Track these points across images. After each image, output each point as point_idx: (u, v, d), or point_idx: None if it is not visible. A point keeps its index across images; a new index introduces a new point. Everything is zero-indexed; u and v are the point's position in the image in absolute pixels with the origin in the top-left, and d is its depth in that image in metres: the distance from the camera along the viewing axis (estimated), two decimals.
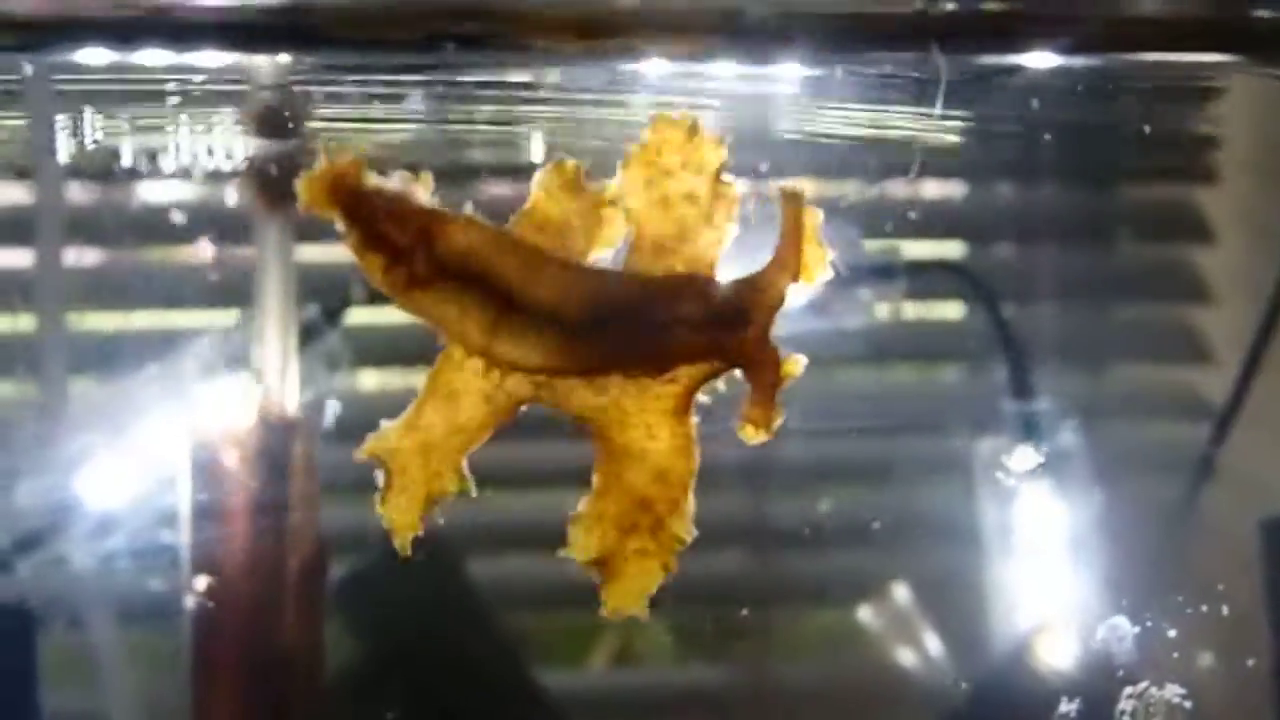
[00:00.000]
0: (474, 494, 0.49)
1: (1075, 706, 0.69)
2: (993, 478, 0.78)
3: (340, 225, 0.46)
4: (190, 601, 0.66)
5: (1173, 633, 0.73)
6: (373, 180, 0.45)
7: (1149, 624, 0.73)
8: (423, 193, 0.46)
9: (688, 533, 0.48)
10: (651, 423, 0.46)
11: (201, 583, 0.66)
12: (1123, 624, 0.73)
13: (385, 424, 0.48)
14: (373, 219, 0.45)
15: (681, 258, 0.45)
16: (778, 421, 0.45)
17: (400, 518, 0.47)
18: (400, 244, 0.45)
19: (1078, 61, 0.60)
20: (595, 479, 0.47)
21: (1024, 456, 0.78)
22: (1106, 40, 0.58)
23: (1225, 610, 0.75)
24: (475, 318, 0.45)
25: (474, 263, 0.45)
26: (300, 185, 0.45)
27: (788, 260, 0.44)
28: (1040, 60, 0.59)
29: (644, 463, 0.47)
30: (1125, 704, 0.69)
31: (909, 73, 0.70)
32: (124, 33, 0.57)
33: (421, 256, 0.45)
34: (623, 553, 0.46)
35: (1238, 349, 0.87)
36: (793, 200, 0.44)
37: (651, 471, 0.46)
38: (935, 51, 0.57)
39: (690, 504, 0.48)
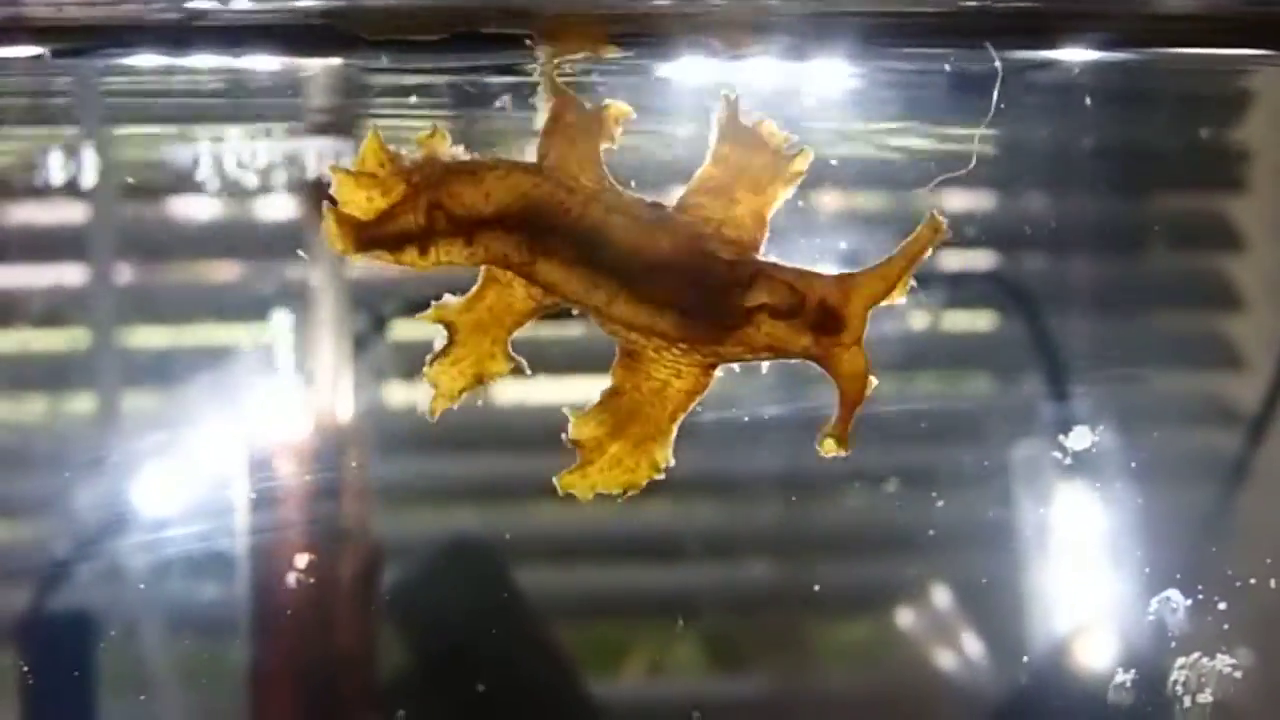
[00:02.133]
0: (527, 372, 0.50)
1: (1130, 676, 0.70)
2: (1029, 484, 0.79)
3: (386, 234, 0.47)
4: (245, 609, 0.67)
5: (1223, 605, 0.74)
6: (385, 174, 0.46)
7: (1200, 598, 0.74)
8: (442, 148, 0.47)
9: (665, 462, 0.49)
10: (684, 368, 0.47)
11: (255, 590, 0.67)
12: (1175, 596, 0.74)
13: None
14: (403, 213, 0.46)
15: (742, 207, 0.46)
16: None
17: (446, 383, 0.48)
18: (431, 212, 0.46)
19: (1112, 59, 0.61)
20: (612, 377, 0.47)
21: (1060, 462, 0.78)
22: (1139, 35, 0.59)
23: (1274, 584, 0.75)
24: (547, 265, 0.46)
25: (527, 212, 0.46)
26: (328, 237, 0.46)
27: (893, 274, 0.45)
28: (1073, 56, 0.60)
29: (657, 388, 0.47)
30: (1178, 674, 0.70)
31: (945, 68, 0.71)
32: (173, 38, 0.58)
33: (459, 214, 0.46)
34: (602, 449, 0.47)
35: (1269, 355, 0.87)
36: (933, 229, 0.45)
37: (659, 396, 0.47)
38: (988, 49, 0.58)
39: (673, 437, 0.49)
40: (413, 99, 0.76)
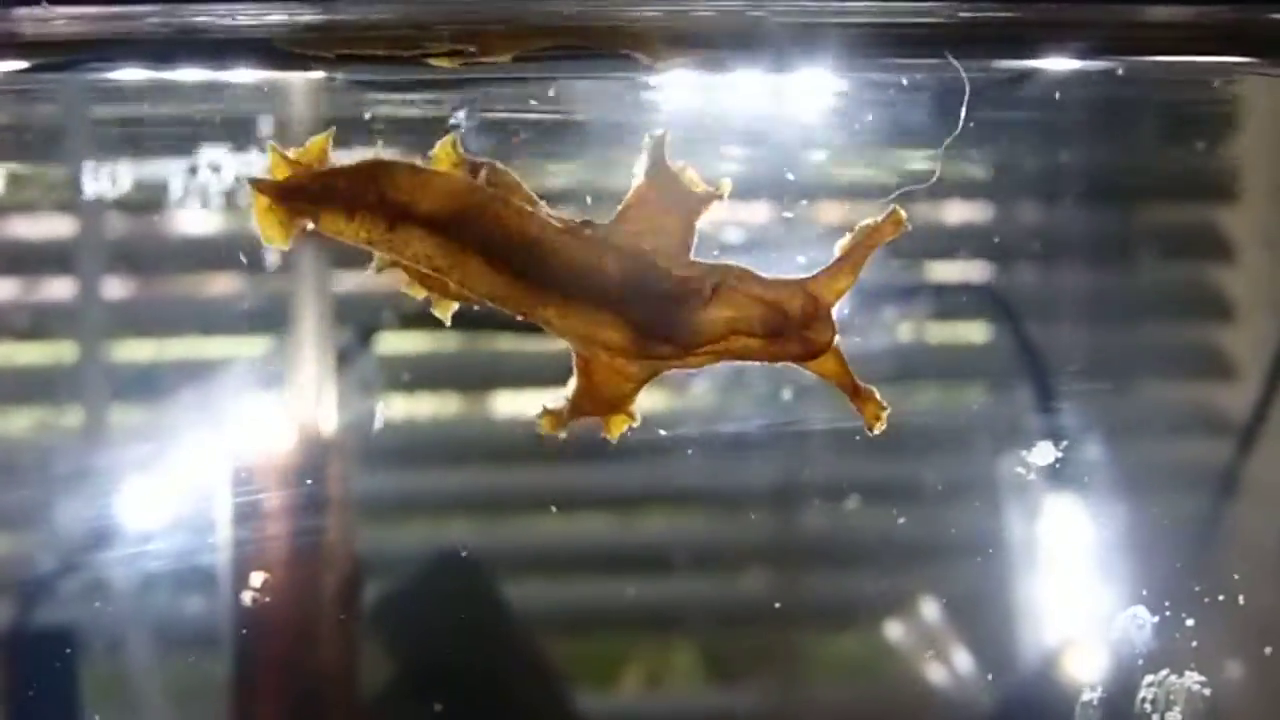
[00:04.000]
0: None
1: (1098, 695, 0.70)
2: (1017, 495, 0.79)
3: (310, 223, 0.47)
4: (228, 623, 0.67)
5: (1191, 622, 0.74)
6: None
7: (1168, 614, 0.74)
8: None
9: (634, 420, 0.49)
10: (635, 371, 0.48)
11: (239, 605, 0.67)
12: (1142, 613, 0.74)
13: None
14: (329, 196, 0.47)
15: (666, 233, 0.46)
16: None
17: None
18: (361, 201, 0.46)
19: (1100, 70, 0.61)
20: (575, 367, 0.48)
21: (1049, 473, 0.78)
22: (1126, 44, 0.59)
23: (1243, 601, 0.75)
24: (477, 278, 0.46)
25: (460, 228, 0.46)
26: (258, 225, 0.47)
27: (854, 267, 0.46)
28: (1060, 66, 0.60)
29: (617, 377, 0.47)
30: (1145, 692, 0.70)
31: (928, 83, 0.71)
32: (159, 52, 0.58)
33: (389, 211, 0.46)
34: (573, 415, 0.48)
35: (1260, 365, 0.87)
36: (894, 223, 0.46)
37: (620, 377, 0.47)
38: (949, 59, 0.58)
39: (637, 399, 0.49)
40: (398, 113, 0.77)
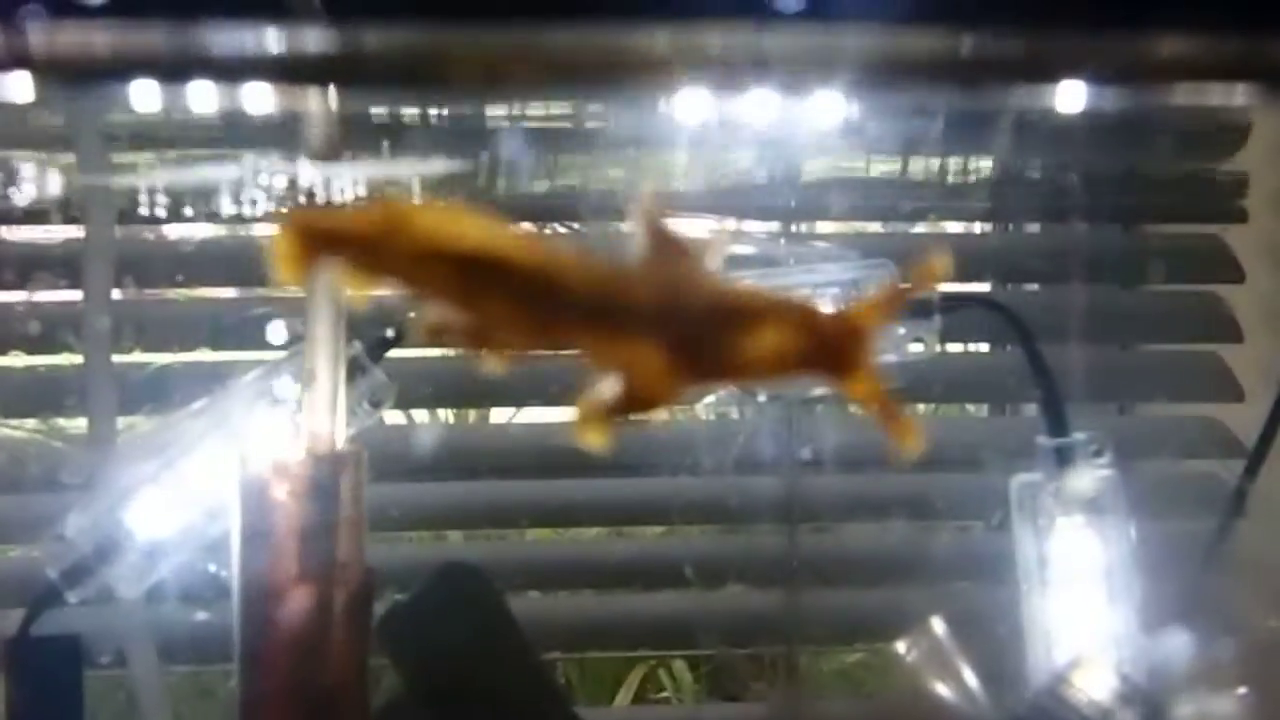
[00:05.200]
0: None
1: (1105, 713, 0.70)
2: (1025, 513, 0.79)
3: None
4: (236, 635, 0.67)
5: (1199, 641, 0.74)
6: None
7: (1177, 648, 0.74)
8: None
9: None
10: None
11: (247, 616, 0.67)
12: (1151, 647, 0.74)
13: None
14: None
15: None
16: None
17: None
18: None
19: (1107, 99, 0.61)
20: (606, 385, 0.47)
21: (1056, 492, 0.78)
22: (1134, 73, 0.59)
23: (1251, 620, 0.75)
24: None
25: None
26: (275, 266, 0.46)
27: (891, 308, 0.45)
28: (1067, 95, 0.60)
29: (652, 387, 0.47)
30: (1153, 710, 0.70)
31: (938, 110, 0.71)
32: (172, 71, 0.58)
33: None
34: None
35: (1268, 384, 0.87)
36: (936, 270, 0.45)
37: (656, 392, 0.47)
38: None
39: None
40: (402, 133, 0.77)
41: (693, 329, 0.45)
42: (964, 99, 0.69)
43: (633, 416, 0.46)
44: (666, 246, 0.45)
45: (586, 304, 0.45)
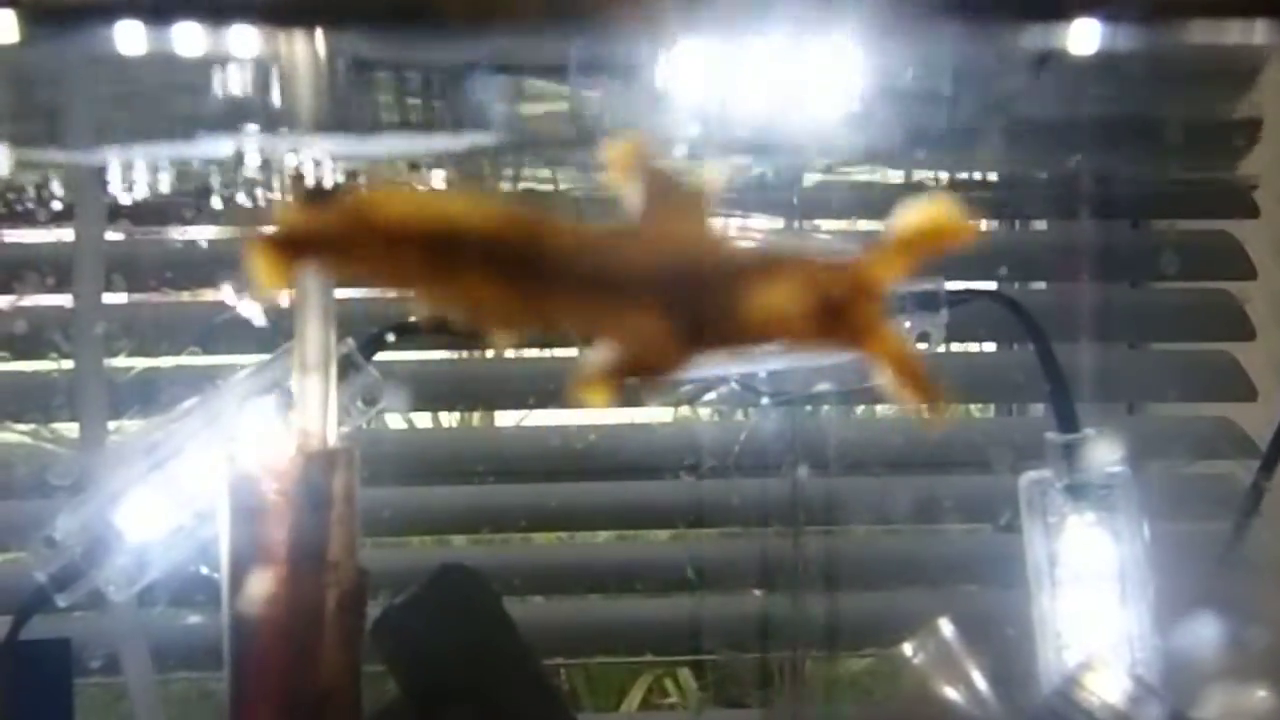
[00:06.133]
0: None
1: (1116, 714, 0.69)
2: (1035, 513, 0.77)
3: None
4: (228, 637, 0.66)
5: (1211, 639, 0.73)
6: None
7: (1190, 650, 0.73)
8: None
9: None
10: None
11: (239, 619, 0.66)
12: (1164, 649, 0.72)
13: None
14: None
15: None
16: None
17: None
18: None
19: (1120, 43, 0.59)
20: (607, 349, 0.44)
21: (1067, 491, 0.77)
22: (1149, 10, 0.57)
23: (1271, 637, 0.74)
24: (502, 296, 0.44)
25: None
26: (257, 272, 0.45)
27: (902, 255, 0.42)
28: (1080, 35, 0.58)
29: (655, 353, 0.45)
30: (1165, 710, 0.68)
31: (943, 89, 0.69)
32: (157, 10, 0.56)
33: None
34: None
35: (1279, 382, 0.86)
36: (962, 232, 0.42)
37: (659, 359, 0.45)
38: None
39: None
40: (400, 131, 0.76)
41: (692, 290, 0.42)
42: (973, 40, 0.67)
43: (639, 381, 0.44)
44: (659, 195, 0.43)
45: (577, 271, 0.43)
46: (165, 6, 0.54)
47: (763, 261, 0.42)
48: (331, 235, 0.44)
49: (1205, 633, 0.74)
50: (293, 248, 0.45)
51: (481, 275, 0.43)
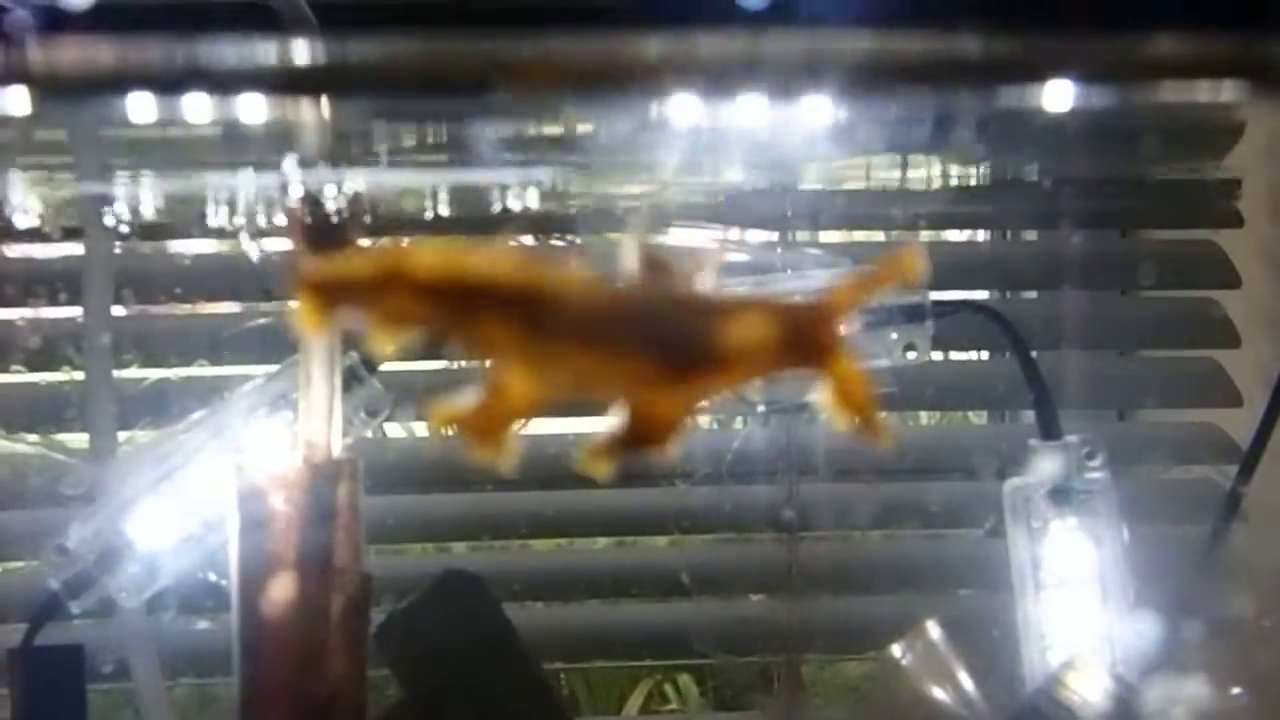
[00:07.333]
0: None
1: (1100, 714, 0.70)
2: (1019, 517, 0.79)
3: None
4: (235, 643, 0.67)
5: (1194, 643, 0.74)
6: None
7: (1172, 654, 0.74)
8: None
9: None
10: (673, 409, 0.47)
11: (246, 625, 0.67)
12: (1146, 654, 0.74)
13: None
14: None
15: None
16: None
17: None
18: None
19: (1097, 102, 0.61)
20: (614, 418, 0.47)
21: (1051, 497, 0.78)
22: (1125, 73, 0.59)
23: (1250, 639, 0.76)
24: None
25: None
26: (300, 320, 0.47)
27: (862, 295, 0.45)
28: (1059, 95, 0.60)
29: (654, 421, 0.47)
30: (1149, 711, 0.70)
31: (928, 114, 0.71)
32: (168, 84, 0.58)
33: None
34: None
35: (1263, 388, 0.87)
36: (910, 265, 0.45)
37: (659, 427, 0.47)
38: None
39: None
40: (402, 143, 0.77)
41: (673, 343, 0.45)
42: (954, 101, 0.69)
43: (640, 450, 0.47)
44: (653, 266, 0.46)
45: (580, 325, 0.45)
46: (175, 79, 0.56)
47: (728, 307, 0.45)
48: (366, 284, 0.47)
49: (1184, 632, 0.75)
50: (332, 295, 0.47)
51: (500, 328, 0.46)
